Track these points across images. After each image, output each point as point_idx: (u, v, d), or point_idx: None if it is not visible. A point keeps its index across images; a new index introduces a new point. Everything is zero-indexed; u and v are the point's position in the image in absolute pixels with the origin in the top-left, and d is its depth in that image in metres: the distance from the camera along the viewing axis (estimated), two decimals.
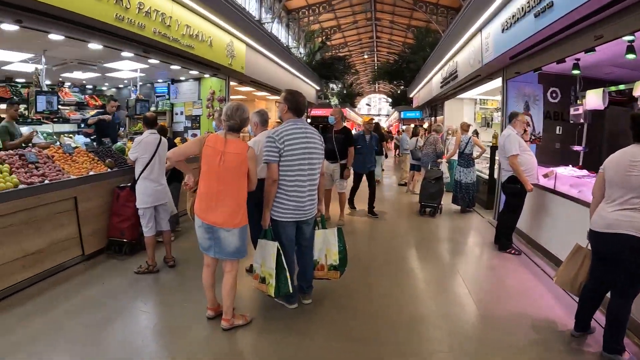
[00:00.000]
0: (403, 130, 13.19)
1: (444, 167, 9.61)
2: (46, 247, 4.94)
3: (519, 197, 5.96)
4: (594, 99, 6.92)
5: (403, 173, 13.23)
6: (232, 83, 10.96)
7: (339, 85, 39.31)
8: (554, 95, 8.37)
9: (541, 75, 8.06)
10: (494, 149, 9.16)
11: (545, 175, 6.16)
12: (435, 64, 12.96)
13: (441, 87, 12.98)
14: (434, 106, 18.04)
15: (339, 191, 7.74)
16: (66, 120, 10.40)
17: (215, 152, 3.54)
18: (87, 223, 5.59)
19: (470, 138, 8.89)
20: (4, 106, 7.43)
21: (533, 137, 7.73)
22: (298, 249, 4.25)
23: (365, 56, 33.52)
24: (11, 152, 5.42)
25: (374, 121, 9.10)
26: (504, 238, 6.24)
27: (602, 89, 6.78)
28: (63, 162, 5.80)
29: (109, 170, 6.13)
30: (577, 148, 7.69)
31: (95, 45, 6.22)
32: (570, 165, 6.76)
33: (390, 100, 43.70)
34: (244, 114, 3.67)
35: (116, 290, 4.64)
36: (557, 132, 8.42)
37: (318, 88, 20.06)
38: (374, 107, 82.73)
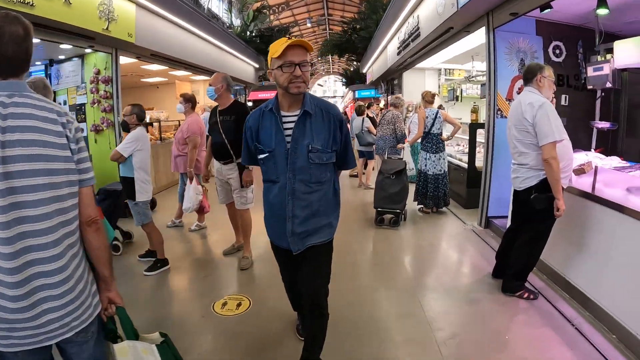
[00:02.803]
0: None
1: (406, 154, 7.08)
2: None
3: (552, 216, 3.53)
4: (632, 52, 4.70)
5: None
6: (129, 60, 8.26)
7: None
8: (557, 52, 6.03)
9: (541, 25, 5.80)
10: (474, 127, 6.82)
11: (580, 171, 3.80)
12: (391, 24, 10.43)
13: (398, 53, 10.51)
14: (390, 80, 15.59)
15: (240, 208, 4.72)
16: None
17: None
18: None
19: (438, 112, 6.47)
20: None
21: None
22: None
23: (309, 24, 30.36)
24: None
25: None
26: (516, 279, 3.86)
27: None
28: None
29: None
30: (601, 125, 5.45)
31: None
32: (594, 150, 4.62)
33: (344, 80, 41.20)
34: None
35: None
36: (563, 102, 6.08)
37: (257, 66, 17.13)
38: (329, 89, 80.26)
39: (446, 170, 6.61)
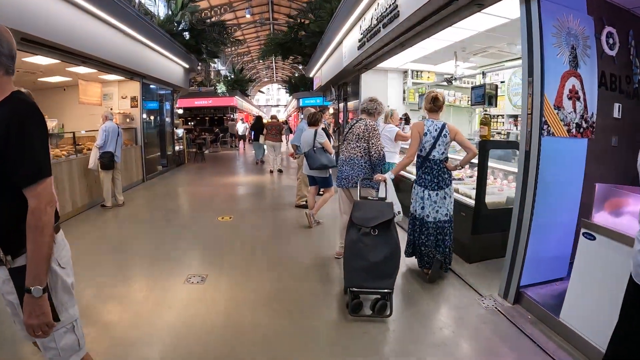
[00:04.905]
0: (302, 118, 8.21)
1: (389, 189, 4.39)
2: None
3: None
4: None
5: (301, 187, 7.89)
6: None
7: (224, 67, 33.48)
8: (610, 42, 3.98)
9: (592, 1, 3.79)
10: (486, 146, 4.63)
11: None
12: (351, 10, 8.12)
13: (360, 47, 8.22)
14: (343, 85, 13.31)
15: None
16: None
17: None
18: None
19: (444, 127, 4.15)
20: None
21: (584, 124, 3.75)
22: None
23: (248, 16, 27.37)
24: None
25: None
26: None
27: None
28: None
29: None
30: None
31: None
32: None
33: (287, 87, 38.75)
34: None
35: None
36: (615, 114, 4.09)
37: (187, 66, 14.33)
38: (273, 97, 78.31)
39: (452, 214, 4.32)
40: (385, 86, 10.26)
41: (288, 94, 41.14)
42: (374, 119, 4.70)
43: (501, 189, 5.28)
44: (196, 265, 4.81)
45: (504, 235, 3.98)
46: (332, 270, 4.62)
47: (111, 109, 10.53)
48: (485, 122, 4.79)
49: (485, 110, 5.85)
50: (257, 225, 6.74)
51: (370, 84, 10.21)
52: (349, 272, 3.62)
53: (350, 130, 4.66)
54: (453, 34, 6.13)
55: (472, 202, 4.89)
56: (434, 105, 4.19)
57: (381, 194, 4.27)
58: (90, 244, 5.76)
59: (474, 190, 4.87)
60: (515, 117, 7.97)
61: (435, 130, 4.09)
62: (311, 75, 17.41)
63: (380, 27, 6.65)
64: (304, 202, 7.64)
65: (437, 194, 4.16)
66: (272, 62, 47.74)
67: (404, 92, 10.28)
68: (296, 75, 26.71)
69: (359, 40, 8.17)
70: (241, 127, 23.88)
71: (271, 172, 12.81)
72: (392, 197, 4.23)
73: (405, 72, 10.10)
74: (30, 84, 9.51)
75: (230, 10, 29.01)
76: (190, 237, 6.02)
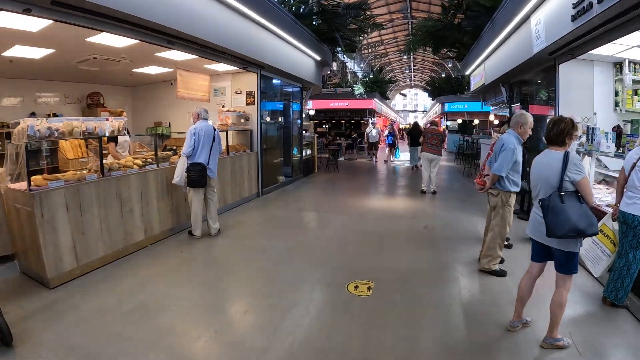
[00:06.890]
0: (496, 130, 5.37)
1: None
2: None
3: None
4: None
5: (495, 246, 4.71)
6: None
7: (361, 64, 31.22)
8: None
9: None
10: None
11: None
12: None
13: (578, 15, 5.15)
14: (518, 83, 10.05)
15: None
16: None
17: None
18: None
19: None
20: None
21: None
22: None
23: None
24: None
25: None
26: None
27: None
28: None
29: None
30: None
31: None
32: None
33: (428, 90, 35.37)
34: None
35: None
36: None
37: (318, 58, 12.17)
38: (410, 102, 75.43)
39: None
40: (590, 83, 6.96)
41: (431, 98, 37.81)
42: None
43: None
44: None
45: None
46: None
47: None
48: None
49: None
50: (415, 319, 3.71)
51: (569, 81, 7.01)
52: None
53: None
54: None
55: None
56: None
57: None
58: (130, 311, 3.69)
59: None
60: None
61: None
62: (467, 73, 14.19)
63: None
64: (497, 268, 4.77)
65: None
66: (410, 64, 44.46)
67: (616, 93, 6.87)
68: (442, 75, 23.38)
69: (574, 6, 5.14)
70: (373, 133, 20.16)
71: (423, 192, 9.96)
72: None
73: (619, 64, 6.71)
74: (127, 76, 8.05)
75: (365, 7, 26.60)
76: (297, 335, 3.44)
